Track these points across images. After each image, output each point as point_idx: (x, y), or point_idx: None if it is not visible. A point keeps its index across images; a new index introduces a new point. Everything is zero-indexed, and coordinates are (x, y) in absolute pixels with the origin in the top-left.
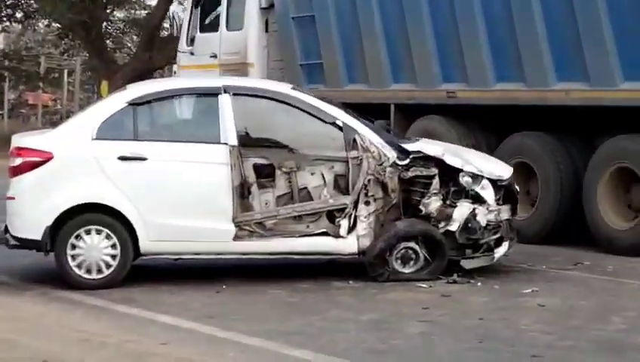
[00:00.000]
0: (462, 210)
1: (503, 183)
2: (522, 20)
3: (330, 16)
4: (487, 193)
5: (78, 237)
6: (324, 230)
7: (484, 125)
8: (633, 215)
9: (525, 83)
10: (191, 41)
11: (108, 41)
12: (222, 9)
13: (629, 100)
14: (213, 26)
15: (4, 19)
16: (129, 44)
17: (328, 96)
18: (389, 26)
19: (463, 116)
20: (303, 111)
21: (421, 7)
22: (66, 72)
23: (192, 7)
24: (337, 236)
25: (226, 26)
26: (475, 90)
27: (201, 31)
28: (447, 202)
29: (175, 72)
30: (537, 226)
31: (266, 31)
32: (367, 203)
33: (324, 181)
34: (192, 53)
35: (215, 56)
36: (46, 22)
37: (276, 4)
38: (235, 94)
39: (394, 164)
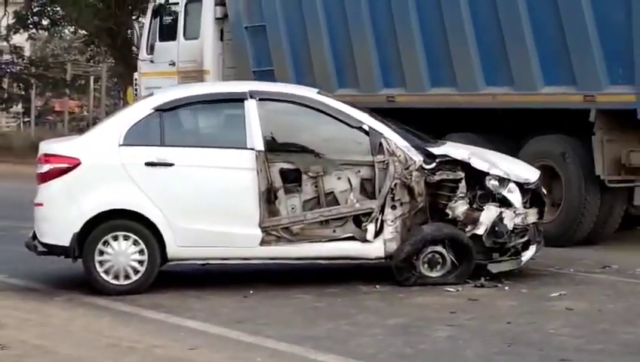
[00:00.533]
0: (489, 213)
1: (530, 186)
2: (454, 29)
3: (279, 26)
4: (514, 196)
5: (105, 243)
6: (351, 234)
7: (423, 127)
8: (555, 209)
9: (457, 88)
10: (151, 49)
11: (133, 48)
12: (179, 19)
13: (549, 103)
14: (172, 35)
15: (31, 26)
16: None
17: None
18: (334, 35)
19: (402, 119)
20: (329, 115)
21: (362, 16)
22: (92, 78)
23: (151, 17)
24: (364, 240)
25: (184, 35)
26: (413, 94)
27: (160, 40)
28: (474, 206)
29: (135, 80)
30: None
31: (221, 40)
32: (393, 207)
33: (351, 185)
34: (151, 61)
35: (173, 64)
36: (72, 29)
37: (230, 14)
38: (261, 99)
39: (420, 168)
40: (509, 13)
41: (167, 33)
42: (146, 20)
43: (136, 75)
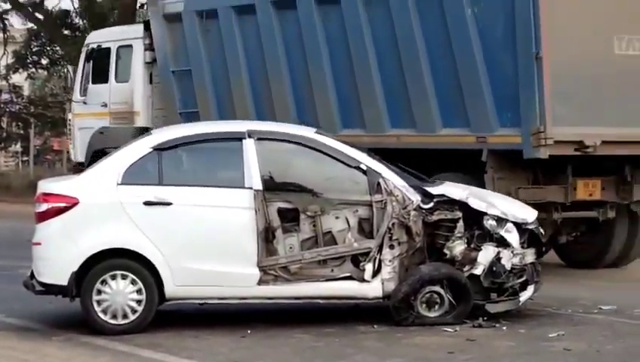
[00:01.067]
0: (486, 253)
1: (528, 226)
2: (362, 75)
3: (204, 70)
4: (512, 236)
5: (103, 282)
6: (349, 274)
7: None
8: None
9: (365, 129)
10: (84, 91)
11: None
12: (111, 63)
13: (447, 144)
14: (104, 78)
15: (30, 65)
16: None
17: None
18: (253, 79)
19: None
20: (327, 155)
21: (280, 63)
22: None
23: (84, 60)
24: (362, 280)
25: (115, 78)
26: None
27: (93, 82)
28: (472, 245)
29: (69, 120)
30: None
31: (150, 83)
32: (391, 246)
33: (349, 225)
34: (84, 103)
35: (105, 105)
36: (71, 68)
37: (158, 59)
38: (259, 139)
39: (418, 208)
40: (412, 63)
41: (100, 76)
42: (79, 64)
43: (69, 115)
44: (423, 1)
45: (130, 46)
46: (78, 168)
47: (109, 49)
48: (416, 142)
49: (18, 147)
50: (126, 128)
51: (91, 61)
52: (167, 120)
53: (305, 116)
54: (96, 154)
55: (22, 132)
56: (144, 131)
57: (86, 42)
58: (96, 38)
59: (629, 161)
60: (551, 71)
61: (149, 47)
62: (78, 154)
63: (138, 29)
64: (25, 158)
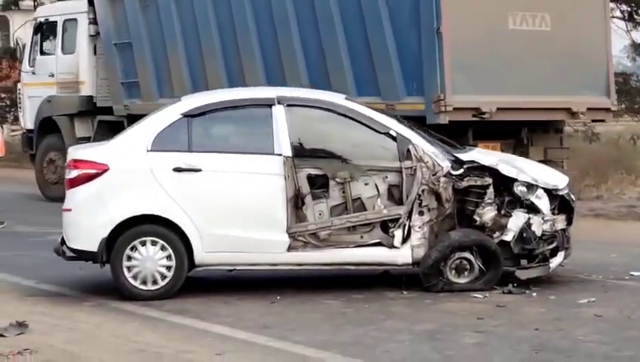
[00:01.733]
0: (517, 219)
1: (559, 193)
2: (287, 52)
3: (143, 43)
4: (543, 203)
5: (133, 248)
6: (378, 240)
7: None
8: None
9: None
10: (32, 62)
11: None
12: (58, 36)
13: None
14: (51, 50)
15: None
16: None
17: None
18: (189, 51)
19: None
20: (357, 121)
21: (212, 37)
22: None
23: (33, 33)
24: (391, 246)
25: (62, 50)
26: None
27: (41, 54)
28: (502, 212)
29: (19, 90)
30: None
31: (95, 54)
32: (421, 213)
33: (378, 191)
34: (33, 73)
35: (53, 75)
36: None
37: (101, 32)
38: (288, 105)
39: (448, 174)
40: (330, 38)
41: (47, 48)
42: (29, 36)
43: (19, 85)
44: None
45: (76, 20)
46: (28, 135)
47: (55, 22)
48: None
49: None
50: (72, 97)
51: (39, 34)
52: (111, 89)
53: (235, 86)
54: (44, 121)
55: None
56: (89, 99)
57: (34, 16)
58: (44, 12)
59: (526, 126)
60: (450, 44)
61: (93, 21)
62: (27, 122)
63: (83, 4)
64: None
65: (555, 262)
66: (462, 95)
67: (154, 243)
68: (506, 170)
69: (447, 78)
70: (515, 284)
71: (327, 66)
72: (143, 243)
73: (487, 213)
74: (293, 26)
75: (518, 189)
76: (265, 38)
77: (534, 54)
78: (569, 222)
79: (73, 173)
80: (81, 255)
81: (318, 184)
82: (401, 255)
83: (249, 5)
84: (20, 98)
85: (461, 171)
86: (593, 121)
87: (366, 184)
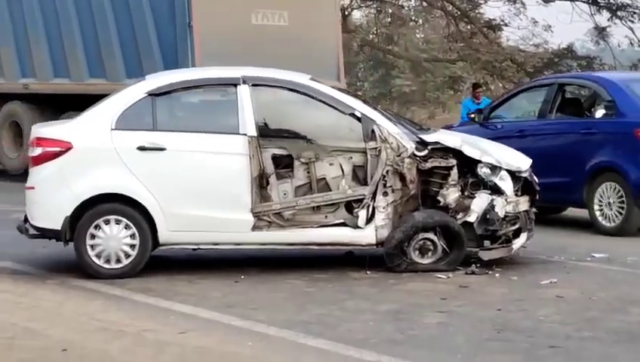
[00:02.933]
0: (480, 201)
1: (522, 174)
2: (105, 41)
3: None
4: (506, 184)
5: (97, 227)
6: (343, 221)
7: (51, 107)
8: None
9: (70, 78)
10: None
11: None
12: None
13: (95, 90)
14: None
15: None
16: None
17: None
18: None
19: (37, 101)
20: (321, 101)
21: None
22: None
23: None
24: (355, 227)
25: None
26: (41, 83)
27: None
28: (466, 193)
29: None
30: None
31: None
32: (385, 193)
33: (343, 172)
34: None
35: None
36: None
37: None
38: (253, 85)
39: (412, 155)
40: (104, 32)
41: None
42: None
43: None
44: None
45: None
46: None
47: None
48: (107, 89)
49: None
50: None
51: None
52: None
53: (25, 68)
54: None
55: None
56: None
57: None
58: None
59: None
60: (200, 37)
61: None
62: None
63: None
64: None
65: (517, 244)
66: None
67: (118, 221)
68: (469, 152)
69: (197, 64)
70: (478, 265)
71: (102, 55)
72: (107, 222)
73: (451, 194)
74: (74, 20)
75: (482, 171)
76: (50, 29)
77: (274, 45)
78: (532, 203)
79: (37, 151)
80: (44, 233)
81: (283, 164)
82: (365, 235)
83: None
84: None
85: (425, 152)
86: None
87: (331, 164)
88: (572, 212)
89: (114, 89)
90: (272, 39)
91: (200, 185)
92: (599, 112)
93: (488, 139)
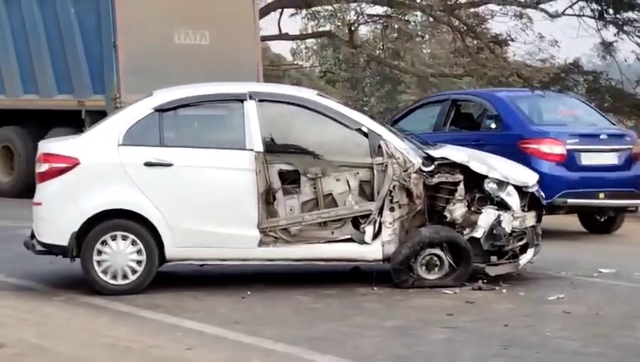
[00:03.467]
0: (487, 216)
1: (529, 190)
2: (38, 58)
3: None
4: (513, 200)
5: (104, 243)
6: (349, 236)
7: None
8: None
9: (5, 94)
10: None
11: None
12: None
13: (61, 106)
14: None
15: None
16: None
17: None
18: None
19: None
20: (328, 117)
21: None
22: None
23: None
24: (362, 242)
25: None
26: None
27: None
28: (472, 209)
29: None
30: (18, 186)
31: None
32: (392, 209)
33: (349, 187)
34: None
35: None
36: None
37: None
38: (260, 100)
39: (419, 171)
40: (37, 49)
41: None
42: None
43: None
44: (42, 3)
45: None
46: None
47: None
48: (40, 104)
49: None
50: None
51: None
52: None
53: None
54: None
55: None
56: None
57: None
58: None
59: None
60: (125, 55)
61: None
62: None
63: None
64: None
65: (524, 259)
66: (134, 94)
67: (124, 237)
68: (476, 167)
69: (122, 80)
70: (485, 281)
71: (35, 70)
72: (114, 238)
73: (458, 210)
74: (9, 39)
75: (489, 186)
76: (18, 45)
77: (195, 63)
78: (538, 219)
79: (44, 167)
80: (51, 249)
81: (290, 179)
82: (372, 251)
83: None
84: None
85: (432, 168)
86: None
87: (337, 180)
88: (578, 227)
89: (47, 105)
90: (193, 57)
91: (207, 201)
92: (487, 126)
93: None
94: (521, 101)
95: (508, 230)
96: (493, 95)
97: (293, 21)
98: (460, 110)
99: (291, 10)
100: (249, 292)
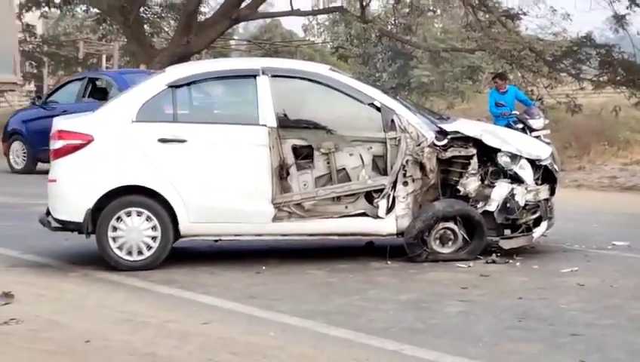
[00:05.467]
0: (500, 190)
1: (542, 163)
2: None
3: None
4: (526, 173)
5: (118, 219)
6: (363, 211)
7: None
8: None
9: None
10: None
11: (145, 26)
12: None
13: None
14: None
15: (43, 4)
16: (166, 29)
17: None
18: None
19: None
20: (341, 92)
21: None
22: (104, 57)
23: None
24: (376, 217)
25: None
26: None
27: None
28: (486, 182)
29: None
30: None
31: None
32: (405, 183)
33: (363, 162)
34: None
35: None
36: (84, 7)
37: None
38: (273, 76)
39: (432, 145)
40: None
41: None
42: None
43: None
44: None
45: None
46: None
47: None
48: None
49: (32, 86)
50: None
51: None
52: None
53: None
54: None
55: (35, 71)
56: None
57: None
58: None
59: None
60: None
61: None
62: None
63: None
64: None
65: (538, 232)
66: None
67: (139, 213)
68: (489, 141)
69: None
70: (499, 254)
71: None
72: (129, 214)
73: (471, 184)
74: None
75: (502, 160)
76: None
77: None
78: (552, 192)
79: (58, 144)
80: (66, 225)
81: (303, 155)
82: (386, 225)
83: None
84: None
85: (445, 142)
86: (2, 91)
87: (350, 155)
88: (593, 200)
89: None
90: None
91: (220, 177)
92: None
93: (44, 118)
94: (134, 76)
95: (521, 203)
96: (114, 74)
97: None
98: (97, 85)
99: None
100: (264, 268)
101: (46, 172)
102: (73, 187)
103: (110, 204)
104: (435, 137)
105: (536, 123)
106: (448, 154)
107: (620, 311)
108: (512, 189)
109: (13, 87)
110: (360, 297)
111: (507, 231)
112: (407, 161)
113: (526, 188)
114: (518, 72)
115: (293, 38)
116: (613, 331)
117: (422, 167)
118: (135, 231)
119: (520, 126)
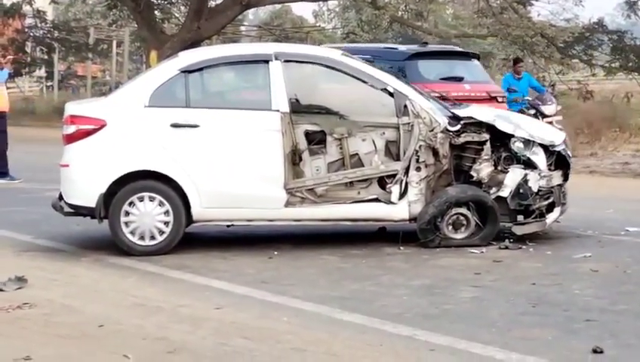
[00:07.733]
0: (513, 175)
1: (555, 149)
2: None
3: None
4: (539, 158)
5: (131, 204)
6: (375, 196)
7: None
8: None
9: None
10: None
11: (156, 12)
12: None
13: None
14: None
15: None
16: (177, 15)
17: None
18: None
19: None
20: (354, 77)
21: None
22: (114, 42)
23: None
24: (388, 202)
25: None
26: None
27: None
28: (499, 168)
29: None
30: None
31: None
32: (418, 169)
33: (375, 147)
34: None
35: None
36: None
37: None
38: (286, 61)
39: (445, 130)
40: None
41: None
42: None
43: None
44: None
45: None
46: None
47: None
48: None
49: (42, 72)
50: None
51: None
52: None
53: None
54: None
55: (46, 57)
56: None
57: None
58: None
59: None
60: None
61: None
62: None
63: None
64: (49, 83)
65: (551, 218)
66: None
67: (152, 198)
68: (502, 126)
69: None
70: (512, 240)
71: None
72: (141, 199)
73: (484, 169)
74: None
75: (515, 145)
76: None
77: None
78: (565, 178)
79: (71, 129)
80: (78, 210)
81: (316, 140)
82: (398, 210)
83: None
84: None
85: (458, 127)
86: None
87: (363, 140)
88: (606, 186)
89: None
90: None
91: (233, 162)
92: None
93: None
94: None
95: (534, 189)
96: None
97: None
98: None
99: None
100: (276, 253)
101: None
102: (86, 172)
103: (123, 189)
104: (448, 123)
105: (549, 109)
106: (461, 139)
107: (634, 296)
108: (526, 175)
109: None
110: (373, 282)
111: (520, 217)
112: (420, 147)
113: (539, 174)
114: (529, 58)
115: (304, 24)
116: (627, 317)
117: (435, 152)
118: (147, 216)
119: (532, 112)
